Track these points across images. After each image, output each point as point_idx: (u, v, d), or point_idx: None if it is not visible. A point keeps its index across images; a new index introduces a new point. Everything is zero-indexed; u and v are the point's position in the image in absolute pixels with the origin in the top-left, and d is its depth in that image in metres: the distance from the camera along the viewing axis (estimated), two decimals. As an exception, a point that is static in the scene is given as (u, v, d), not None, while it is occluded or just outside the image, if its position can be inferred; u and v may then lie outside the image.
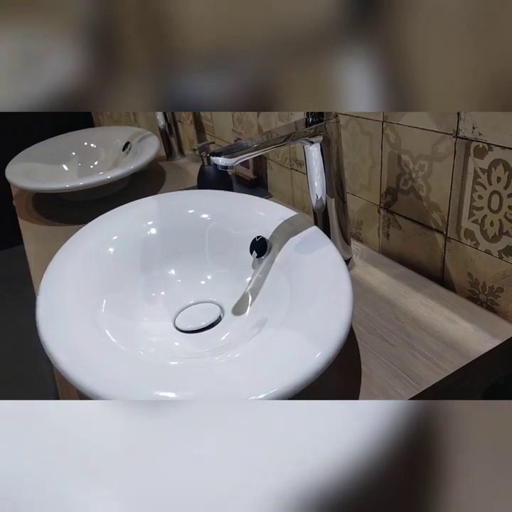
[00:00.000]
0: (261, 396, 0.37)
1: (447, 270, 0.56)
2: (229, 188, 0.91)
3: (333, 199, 0.60)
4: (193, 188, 0.98)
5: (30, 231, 0.90)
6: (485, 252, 0.51)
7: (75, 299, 0.51)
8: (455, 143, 0.49)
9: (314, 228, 0.57)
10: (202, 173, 0.90)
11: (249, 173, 0.95)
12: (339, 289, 0.46)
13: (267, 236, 0.59)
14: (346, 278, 0.47)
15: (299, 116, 0.75)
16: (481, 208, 0.49)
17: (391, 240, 0.64)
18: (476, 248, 0.51)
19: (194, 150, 0.86)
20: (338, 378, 0.46)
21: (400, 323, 0.52)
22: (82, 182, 0.90)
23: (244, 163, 0.94)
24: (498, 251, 0.49)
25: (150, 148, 1.03)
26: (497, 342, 0.48)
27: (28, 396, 1.57)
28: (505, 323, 0.50)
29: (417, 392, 0.44)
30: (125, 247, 0.61)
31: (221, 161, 0.51)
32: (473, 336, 0.49)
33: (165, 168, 1.16)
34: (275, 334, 0.44)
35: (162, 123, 1.18)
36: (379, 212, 0.64)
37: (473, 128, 0.47)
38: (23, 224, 0.94)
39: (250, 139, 0.54)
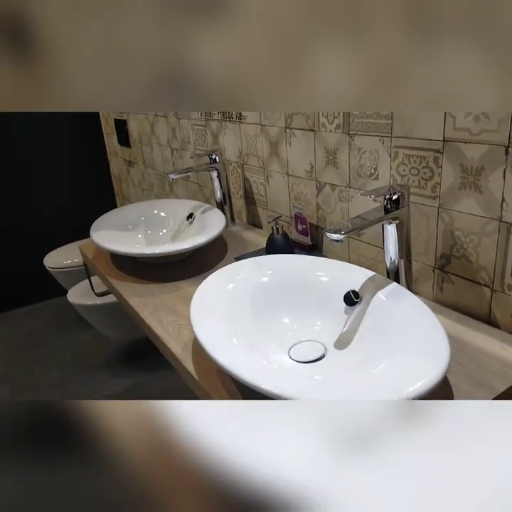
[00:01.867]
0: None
1: (493, 314, 0.78)
2: (291, 251, 1.12)
3: (402, 261, 0.82)
4: (260, 251, 1.19)
5: (126, 288, 1.08)
6: (524, 299, 0.73)
7: (219, 332, 0.70)
8: (499, 225, 0.72)
9: (394, 284, 0.78)
10: (271, 239, 1.11)
11: (307, 240, 1.17)
12: (435, 328, 0.66)
13: (356, 289, 0.79)
14: (437, 321, 0.67)
15: (362, 203, 0.98)
16: (520, 269, 0.72)
17: (444, 293, 0.85)
18: (517, 297, 0.73)
19: (269, 222, 1.08)
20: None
21: (468, 351, 0.72)
22: (167, 249, 1.07)
23: (304, 232, 1.16)
24: (534, 299, 0.71)
25: (217, 219, 1.23)
26: (539, 362, 0.68)
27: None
28: (541, 350, 0.71)
29: (492, 397, 0.63)
30: (255, 295, 0.82)
31: (335, 236, 0.73)
32: (522, 358, 0.69)
33: (223, 235, 1.36)
34: (385, 366, 0.64)
35: (219, 195, 1.40)
36: (434, 271, 0.86)
37: (513, 216, 0.70)
38: (115, 282, 1.12)
39: (349, 220, 0.75)
